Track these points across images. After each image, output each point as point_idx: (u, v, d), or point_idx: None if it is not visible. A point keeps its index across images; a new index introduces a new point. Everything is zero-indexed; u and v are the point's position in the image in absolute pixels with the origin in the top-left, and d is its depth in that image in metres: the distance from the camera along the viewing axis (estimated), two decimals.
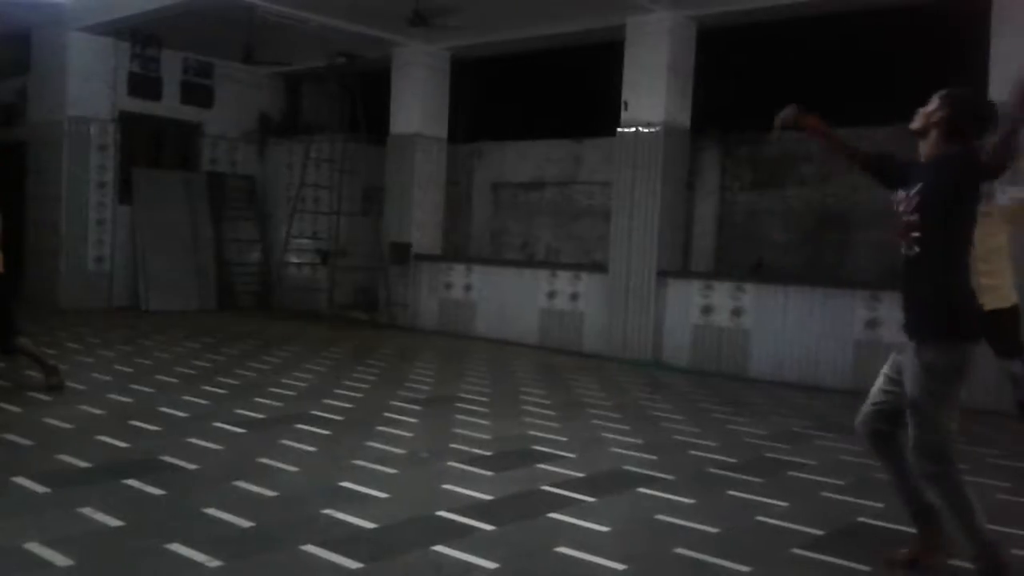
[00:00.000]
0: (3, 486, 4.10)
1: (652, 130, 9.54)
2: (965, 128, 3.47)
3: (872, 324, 8.24)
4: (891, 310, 8.13)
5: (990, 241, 5.69)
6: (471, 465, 4.93)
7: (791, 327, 8.66)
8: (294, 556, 3.44)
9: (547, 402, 7.01)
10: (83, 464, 4.55)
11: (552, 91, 11.97)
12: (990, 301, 5.37)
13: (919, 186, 3.46)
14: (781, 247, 10.36)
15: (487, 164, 12.82)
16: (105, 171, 12.32)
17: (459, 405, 6.70)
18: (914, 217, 3.46)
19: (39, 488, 4.10)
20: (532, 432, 5.89)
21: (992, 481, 5.11)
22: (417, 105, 11.79)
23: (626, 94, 9.73)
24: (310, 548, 3.50)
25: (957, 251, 3.46)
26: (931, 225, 3.41)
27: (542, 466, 5.01)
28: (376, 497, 4.25)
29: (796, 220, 10.24)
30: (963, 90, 3.58)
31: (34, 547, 3.34)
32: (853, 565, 3.63)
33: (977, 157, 3.32)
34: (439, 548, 3.58)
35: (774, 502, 4.50)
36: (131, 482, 4.26)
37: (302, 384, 7.23)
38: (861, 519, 4.32)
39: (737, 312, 9.03)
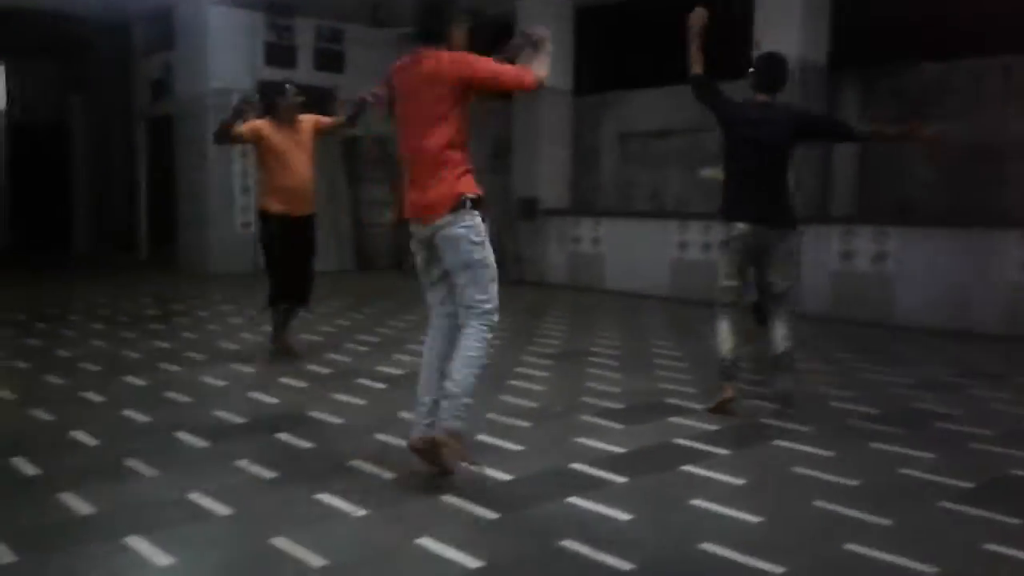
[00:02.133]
0: (168, 441, 4.42)
1: None
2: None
3: None
4: None
5: None
6: (603, 418, 4.97)
7: (939, 271, 8.25)
8: (435, 506, 3.57)
9: (678, 354, 6.95)
10: (238, 420, 4.84)
11: (679, 36, 11.64)
12: None
13: None
14: (928, 186, 9.81)
15: (614, 115, 12.64)
16: None
17: (589, 359, 6.73)
18: None
19: (199, 442, 4.40)
20: (663, 385, 5.87)
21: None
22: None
23: (757, 33, 9.38)
24: (450, 498, 3.63)
25: None
26: None
27: (674, 419, 4.99)
28: (511, 450, 4.36)
29: (944, 156, 9.68)
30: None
31: (196, 497, 3.60)
32: (1005, 519, 3.48)
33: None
34: (574, 499, 3.65)
35: (919, 454, 4.34)
36: (282, 436, 4.51)
37: None
38: (1013, 471, 4.12)
39: (880, 257, 8.66)
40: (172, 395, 5.38)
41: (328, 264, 13.10)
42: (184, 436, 4.48)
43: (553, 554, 3.14)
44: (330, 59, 13.67)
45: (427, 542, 3.19)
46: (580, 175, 12.59)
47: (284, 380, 5.83)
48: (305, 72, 13.40)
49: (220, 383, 5.75)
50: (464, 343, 3.74)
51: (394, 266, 13.71)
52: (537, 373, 6.18)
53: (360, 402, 5.31)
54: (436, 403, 3.82)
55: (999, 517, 3.50)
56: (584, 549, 3.15)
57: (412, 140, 3.82)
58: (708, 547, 3.19)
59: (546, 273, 11.88)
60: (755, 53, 9.36)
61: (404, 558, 3.10)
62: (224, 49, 12.53)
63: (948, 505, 3.65)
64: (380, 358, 6.63)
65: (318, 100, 13.47)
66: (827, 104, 9.71)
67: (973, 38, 9.18)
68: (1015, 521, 3.47)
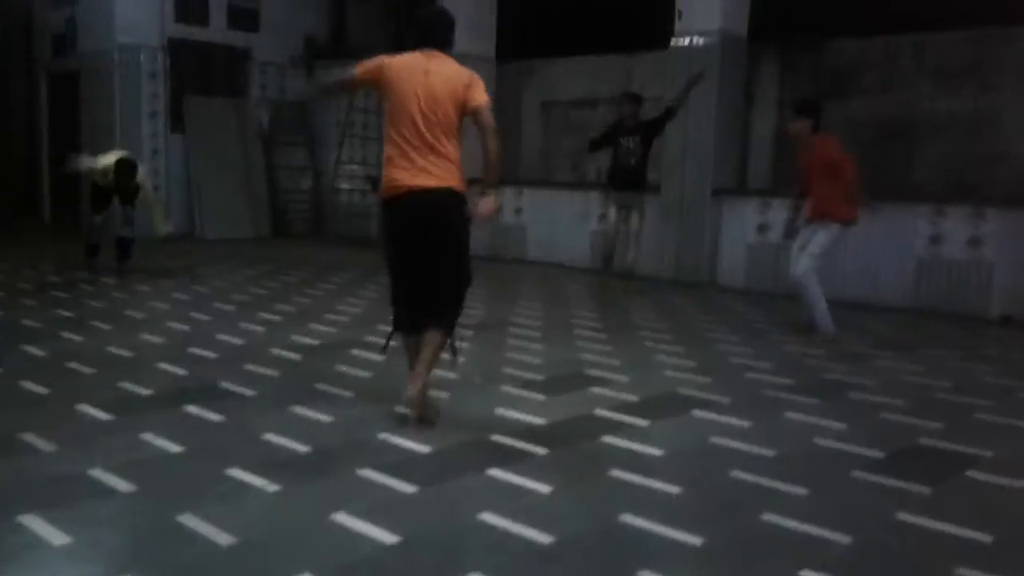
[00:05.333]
0: (68, 414, 4.21)
1: (707, 40, 9.21)
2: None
3: (936, 240, 7.98)
4: (956, 225, 7.87)
5: None
6: (524, 389, 4.93)
7: (850, 244, 8.40)
8: (351, 480, 3.48)
9: (599, 325, 6.96)
10: (144, 391, 4.64)
11: (602, 3, 11.59)
12: None
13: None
14: None
15: (536, 82, 12.54)
16: (156, 100, 12.34)
17: (511, 330, 6.68)
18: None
19: (102, 415, 4.20)
20: (585, 356, 5.86)
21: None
22: (464, 23, 11.30)
23: (680, 3, 9.38)
24: (366, 472, 3.54)
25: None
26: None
27: (595, 390, 4.99)
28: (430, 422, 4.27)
29: (859, 132, 9.87)
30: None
31: (98, 473, 3.43)
32: (914, 487, 3.56)
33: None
34: (493, 472, 3.60)
35: (832, 424, 4.42)
36: (191, 408, 4.34)
37: (355, 310, 7.28)
38: (922, 440, 4.23)
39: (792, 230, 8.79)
40: (74, 366, 5.13)
41: (244, 231, 12.77)
42: (85, 409, 4.27)
43: (472, 528, 3.08)
44: (244, 17, 13.18)
45: (342, 517, 3.10)
46: (502, 144, 12.44)
47: (195, 351, 5.62)
48: (218, 31, 12.93)
49: (126, 354, 5.51)
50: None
51: (311, 233, 13.42)
52: (457, 344, 6.08)
53: (274, 373, 5.15)
54: None
55: (910, 486, 3.58)
56: (504, 522, 3.10)
57: None
58: (628, 518, 3.17)
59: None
60: (678, 23, 9.42)
61: (318, 534, 3.00)
62: (131, 3, 11.96)
63: (861, 475, 3.71)
64: (295, 328, 6.45)
65: (231, 60, 13.17)
66: (746, 76, 9.79)
67: (887, 15, 9.35)
68: (925, 490, 3.55)
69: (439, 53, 4.24)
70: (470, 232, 4.28)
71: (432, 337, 4.22)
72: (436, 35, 4.29)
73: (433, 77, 4.13)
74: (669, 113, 8.42)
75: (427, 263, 4.25)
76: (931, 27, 9.16)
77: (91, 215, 8.99)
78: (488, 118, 4.16)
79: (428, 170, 4.13)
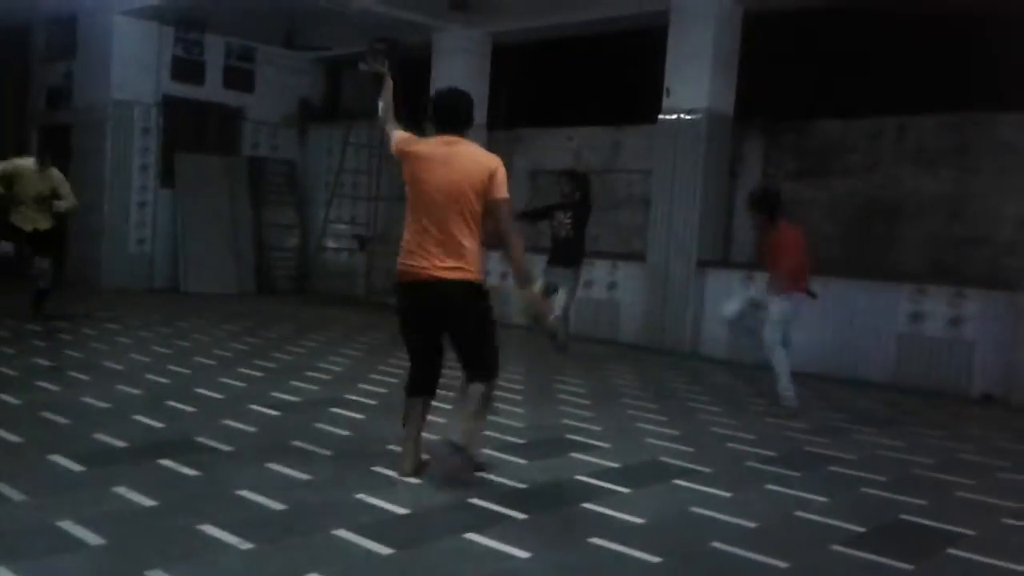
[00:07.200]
0: (40, 464, 4.13)
1: (694, 117, 9.39)
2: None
3: (916, 318, 8.05)
4: (937, 304, 7.95)
5: None
6: (504, 453, 4.89)
7: (833, 320, 8.49)
8: (326, 540, 3.41)
9: (582, 391, 6.94)
10: (119, 443, 4.57)
11: (593, 77, 11.84)
12: None
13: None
14: (825, 238, 10.13)
15: (525, 150, 12.70)
16: (148, 154, 12.44)
17: (493, 393, 6.62)
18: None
19: (75, 466, 4.12)
20: (567, 421, 5.83)
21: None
22: None
23: (668, 80, 9.59)
24: (342, 533, 3.48)
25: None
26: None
27: (577, 455, 4.94)
28: (408, 483, 4.22)
29: (841, 211, 10.03)
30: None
31: (67, 525, 3.35)
32: (894, 563, 3.53)
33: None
34: (471, 536, 3.54)
35: (813, 497, 4.40)
36: (166, 462, 4.27)
37: (337, 368, 7.23)
38: (903, 516, 4.21)
39: None
40: (48, 415, 5.05)
41: (228, 287, 12.75)
42: (58, 459, 4.19)
43: None
44: (239, 78, 13.37)
45: None
46: (520, 238, 12.49)
47: (172, 404, 5.55)
48: (213, 90, 13.08)
49: (103, 405, 5.43)
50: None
51: (295, 291, 13.39)
52: (439, 405, 6.02)
53: (252, 429, 5.08)
54: None
55: (891, 562, 3.54)
56: None
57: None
58: None
59: None
60: (666, 100, 9.61)
61: None
62: (128, 60, 12.12)
63: (841, 549, 3.68)
64: (275, 384, 6.39)
65: (224, 118, 13.30)
66: (732, 154, 9.97)
67: (871, 98, 9.59)
68: (906, 566, 3.51)
69: (459, 139, 4.26)
70: (490, 313, 4.37)
71: (475, 389, 4.32)
72: (455, 118, 4.31)
73: (454, 167, 4.13)
74: (586, 195, 8.33)
75: (436, 343, 4.36)
76: (914, 110, 9.38)
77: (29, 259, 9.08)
78: (506, 214, 4.20)
79: (444, 261, 4.13)
